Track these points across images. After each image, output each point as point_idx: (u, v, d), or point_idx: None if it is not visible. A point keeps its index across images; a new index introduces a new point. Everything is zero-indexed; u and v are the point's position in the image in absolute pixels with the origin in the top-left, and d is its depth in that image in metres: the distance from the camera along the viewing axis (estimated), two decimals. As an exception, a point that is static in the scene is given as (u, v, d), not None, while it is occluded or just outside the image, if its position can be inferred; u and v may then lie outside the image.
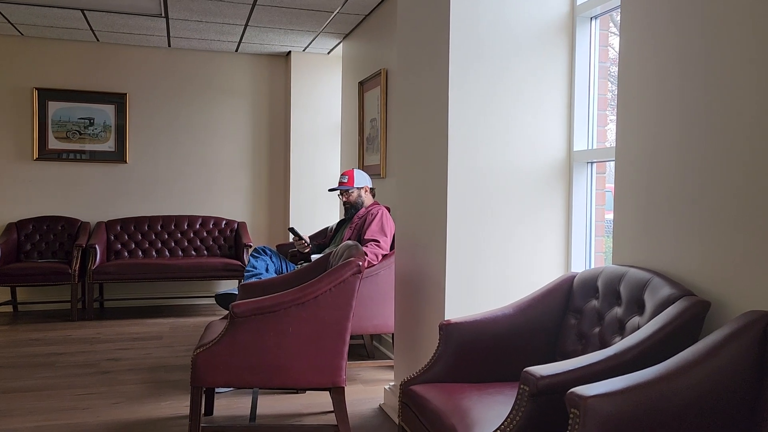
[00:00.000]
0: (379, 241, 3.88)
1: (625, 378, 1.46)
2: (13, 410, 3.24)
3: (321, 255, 3.73)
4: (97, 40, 5.96)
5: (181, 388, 3.61)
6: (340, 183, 4.25)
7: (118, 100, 6.12)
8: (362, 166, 5.14)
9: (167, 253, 6.08)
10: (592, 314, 2.16)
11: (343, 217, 4.45)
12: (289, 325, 2.72)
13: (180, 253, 6.11)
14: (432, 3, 2.86)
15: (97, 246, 5.53)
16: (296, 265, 4.39)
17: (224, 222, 6.28)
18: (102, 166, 6.14)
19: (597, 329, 2.12)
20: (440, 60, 2.75)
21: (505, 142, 2.75)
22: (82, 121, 6.06)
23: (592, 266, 2.82)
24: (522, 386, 1.61)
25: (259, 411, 3.27)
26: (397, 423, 2.31)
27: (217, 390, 3.41)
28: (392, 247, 3.90)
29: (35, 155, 5.93)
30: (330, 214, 6.13)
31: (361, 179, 4.24)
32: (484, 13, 2.71)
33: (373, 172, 4.74)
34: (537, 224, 2.80)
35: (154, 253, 6.04)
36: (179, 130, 6.33)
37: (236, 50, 6.31)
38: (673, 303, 1.78)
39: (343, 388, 2.83)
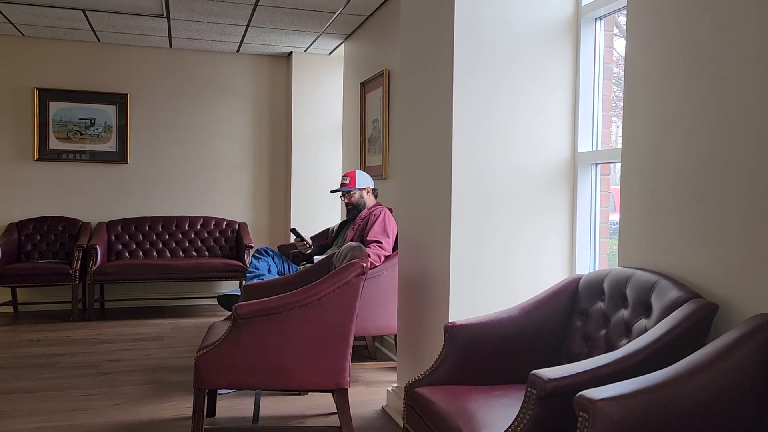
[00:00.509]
0: (381, 243, 3.87)
1: (634, 381, 1.45)
2: (13, 411, 3.23)
3: (323, 256, 3.73)
4: (98, 40, 5.96)
5: (182, 389, 3.60)
6: (342, 184, 4.24)
7: (119, 101, 6.11)
8: (364, 167, 5.14)
9: (168, 253, 6.07)
10: (598, 316, 2.15)
11: (344, 218, 4.44)
12: (292, 326, 2.71)
13: (181, 253, 6.10)
14: (436, 4, 2.85)
15: (98, 246, 5.52)
16: (298, 266, 4.38)
17: (225, 222, 6.27)
18: (103, 167, 6.13)
19: (603, 331, 2.11)
20: (444, 61, 2.75)
21: (510, 143, 2.74)
22: (83, 121, 6.05)
23: (597, 268, 2.82)
24: (529, 389, 1.60)
25: (261, 412, 3.26)
26: (402, 425, 2.30)
27: (219, 391, 3.40)
28: (395, 248, 3.89)
29: (36, 155, 5.92)
30: (331, 215, 6.12)
31: (363, 180, 4.23)
32: (488, 14, 2.70)
33: (375, 173, 4.73)
34: (541, 226, 2.80)
35: (155, 253, 6.03)
36: (180, 130, 6.32)
37: (238, 51, 6.30)
38: (681, 305, 1.77)
39: (347, 389, 2.82)
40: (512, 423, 1.62)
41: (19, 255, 5.73)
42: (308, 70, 6.30)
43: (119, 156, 6.14)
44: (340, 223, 4.50)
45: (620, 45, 2.94)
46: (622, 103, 2.29)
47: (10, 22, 5.35)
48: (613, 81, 3.00)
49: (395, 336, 3.79)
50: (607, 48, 2.88)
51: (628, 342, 1.83)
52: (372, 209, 4.13)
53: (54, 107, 5.97)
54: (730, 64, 1.80)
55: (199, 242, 6.17)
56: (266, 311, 2.70)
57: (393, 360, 4.18)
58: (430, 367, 2.22)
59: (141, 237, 6.04)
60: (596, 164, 2.82)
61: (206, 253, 6.15)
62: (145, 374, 3.90)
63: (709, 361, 1.50)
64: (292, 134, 6.28)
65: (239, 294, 3.79)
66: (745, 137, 1.74)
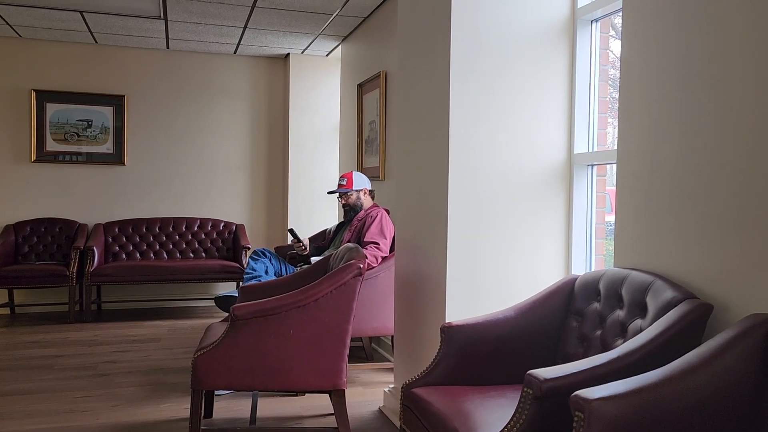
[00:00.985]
0: (378, 244, 3.88)
1: (629, 381, 1.46)
2: (10, 413, 3.23)
3: (320, 257, 3.73)
4: (96, 41, 5.96)
5: (180, 390, 3.60)
6: (339, 186, 4.25)
7: (117, 102, 6.11)
8: (361, 169, 5.14)
9: (165, 255, 6.07)
10: (594, 317, 2.16)
11: (342, 220, 4.45)
12: (289, 327, 2.72)
13: (178, 255, 6.10)
14: (433, 6, 2.86)
15: (95, 248, 5.51)
16: (295, 267, 4.39)
17: (222, 224, 6.27)
18: (100, 168, 6.12)
19: (599, 332, 2.12)
20: (441, 62, 2.76)
21: (506, 144, 2.75)
22: (80, 122, 6.05)
23: (593, 269, 2.83)
24: (525, 389, 1.61)
25: (259, 414, 3.26)
26: (399, 426, 2.30)
27: (216, 392, 3.40)
28: (392, 250, 3.90)
29: (33, 157, 5.92)
30: (328, 217, 6.12)
31: (360, 181, 4.24)
32: (484, 16, 2.71)
33: (372, 175, 4.73)
34: (537, 226, 2.81)
35: (152, 255, 6.03)
36: (178, 132, 6.32)
37: (235, 52, 6.30)
38: (676, 306, 1.78)
39: (344, 390, 2.82)
40: (508, 423, 1.63)
41: (16, 257, 5.73)
42: (305, 71, 6.30)
43: (116, 157, 6.13)
44: (338, 225, 4.51)
45: (616, 47, 2.95)
46: (617, 105, 2.30)
47: (8, 23, 5.35)
48: (609, 82, 3.02)
49: (392, 337, 3.79)
50: (603, 50, 2.89)
51: (624, 342, 1.84)
52: (369, 210, 4.14)
53: (51, 109, 5.97)
54: (725, 66, 1.81)
55: (197, 244, 6.17)
56: (263, 312, 2.70)
57: (390, 361, 4.18)
58: (426, 367, 2.23)
59: (138, 238, 6.04)
60: (592, 165, 2.84)
61: (203, 254, 6.15)
62: (143, 376, 3.90)
63: (703, 361, 1.51)
64: (289, 136, 6.29)
65: (236, 295, 3.79)
66: (740, 139, 1.75)
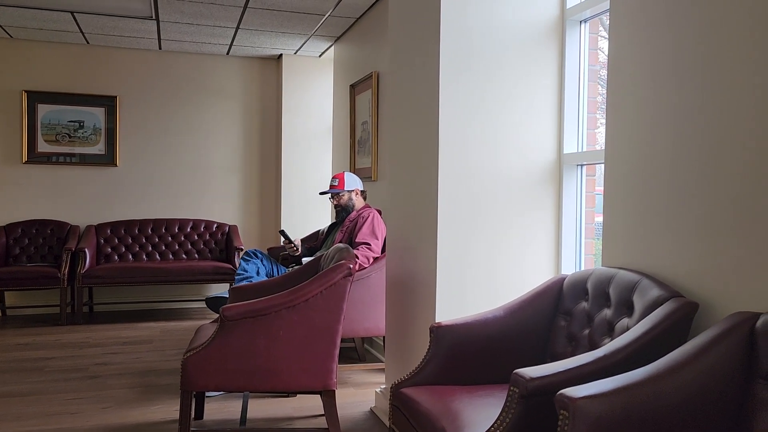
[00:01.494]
0: (370, 244, 3.88)
1: (615, 379, 1.47)
2: (1, 415, 3.21)
3: (312, 258, 3.73)
4: (87, 42, 5.94)
5: (171, 392, 3.59)
6: (331, 186, 4.25)
7: (108, 103, 6.09)
8: (353, 169, 5.14)
9: (158, 256, 6.05)
10: (582, 316, 2.17)
11: (334, 221, 4.45)
12: (279, 328, 2.71)
13: (170, 256, 6.08)
14: (423, 6, 2.87)
15: (86, 250, 5.49)
16: (287, 268, 4.38)
17: (215, 225, 6.26)
18: (92, 169, 6.10)
19: (587, 331, 2.12)
20: (431, 63, 2.76)
21: (496, 144, 2.76)
22: (72, 123, 6.03)
23: (582, 268, 2.83)
24: (512, 388, 1.61)
25: (249, 415, 3.26)
26: (388, 426, 2.30)
27: (207, 394, 3.39)
28: (383, 250, 3.90)
29: (24, 158, 5.89)
30: (321, 217, 6.12)
31: (352, 182, 4.24)
32: (474, 17, 2.72)
33: (365, 175, 4.74)
34: (527, 226, 2.81)
35: (144, 256, 6.01)
36: (170, 132, 6.31)
37: (227, 53, 6.30)
38: (662, 304, 1.79)
39: (334, 391, 2.82)
40: (495, 422, 1.63)
41: (7, 258, 5.70)
42: (298, 72, 6.30)
43: (108, 158, 6.12)
44: (330, 225, 4.51)
45: (605, 47, 2.96)
46: (605, 105, 2.31)
47: (-2, 24, 5.34)
48: (599, 83, 3.03)
49: (384, 337, 3.79)
50: (592, 50, 2.90)
51: (611, 341, 1.85)
52: (361, 211, 4.14)
53: (42, 110, 5.94)
54: (713, 66, 1.82)
55: (189, 245, 6.15)
56: (253, 313, 2.70)
57: (382, 361, 4.18)
58: (415, 367, 2.23)
59: (130, 240, 6.02)
60: (582, 165, 2.84)
61: (196, 255, 6.14)
62: (134, 377, 3.89)
63: (688, 359, 1.52)
64: (282, 136, 6.28)
65: (227, 296, 3.79)
66: (727, 139, 1.76)
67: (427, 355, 2.23)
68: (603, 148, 2.59)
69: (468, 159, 2.73)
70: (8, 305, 5.83)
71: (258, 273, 4.19)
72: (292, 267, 4.32)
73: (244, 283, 3.87)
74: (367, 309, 3.74)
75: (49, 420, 3.16)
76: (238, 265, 4.76)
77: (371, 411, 3.36)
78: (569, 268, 2.83)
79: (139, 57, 6.19)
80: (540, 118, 2.82)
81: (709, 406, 1.51)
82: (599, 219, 2.88)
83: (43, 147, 5.96)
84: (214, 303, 4.12)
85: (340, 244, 3.26)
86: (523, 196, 2.80)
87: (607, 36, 2.91)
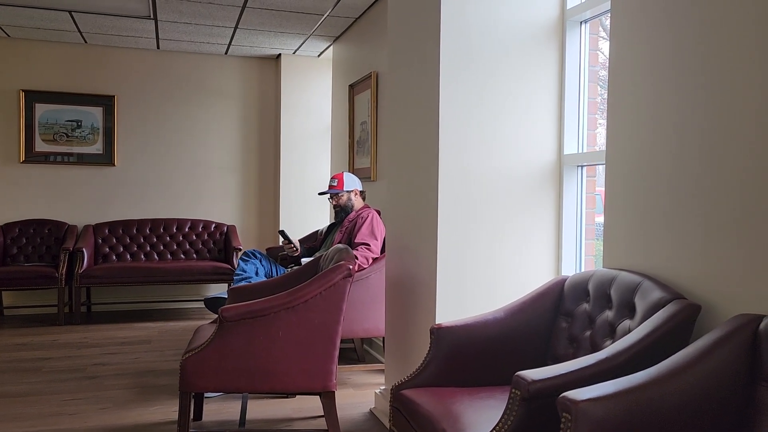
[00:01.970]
0: (369, 245, 3.87)
1: (617, 382, 1.46)
2: (-2, 416, 3.20)
3: (311, 258, 3.72)
4: (85, 41, 5.92)
5: (169, 392, 3.57)
6: (330, 186, 4.24)
7: (106, 103, 6.07)
8: (352, 170, 5.13)
9: (156, 256, 6.03)
10: (583, 318, 2.16)
11: (333, 221, 4.44)
12: (279, 329, 2.70)
13: (169, 256, 6.07)
14: (422, 7, 2.86)
15: (84, 249, 5.47)
16: (286, 268, 4.37)
17: (213, 225, 6.25)
18: (90, 169, 6.09)
19: (588, 333, 2.12)
20: (431, 63, 2.75)
21: (496, 145, 2.75)
22: (70, 123, 6.01)
23: (582, 270, 2.83)
24: (513, 390, 1.61)
25: (248, 416, 3.25)
26: (388, 427, 2.30)
27: (206, 395, 3.38)
28: (383, 251, 3.89)
29: (22, 158, 5.87)
30: (320, 218, 6.11)
31: (351, 182, 4.23)
32: (474, 17, 2.71)
33: (364, 175, 4.73)
34: (527, 227, 2.80)
35: (142, 256, 5.99)
36: (168, 132, 6.29)
37: (226, 53, 6.28)
38: (664, 306, 1.79)
39: (334, 392, 2.81)
40: (496, 424, 1.62)
41: (5, 258, 5.68)
42: (297, 72, 6.29)
43: (106, 158, 6.10)
44: (329, 226, 4.50)
45: (606, 48, 2.95)
46: (606, 106, 2.30)
47: (-4, 23, 5.32)
48: (599, 83, 3.02)
49: (383, 338, 3.78)
50: (592, 51, 2.89)
51: (613, 343, 1.84)
52: (360, 211, 4.13)
53: (40, 109, 5.92)
54: (714, 67, 1.81)
55: (187, 245, 6.14)
56: (252, 314, 2.69)
57: (381, 362, 4.17)
58: (416, 369, 2.22)
59: (128, 240, 6.00)
60: (582, 166, 2.84)
61: (194, 255, 6.12)
62: (132, 378, 3.87)
63: (691, 361, 1.51)
64: (280, 136, 6.27)
65: (226, 297, 3.77)
66: (729, 139, 1.76)
67: (428, 357, 2.22)
68: (603, 149, 2.59)
69: (468, 159, 2.72)
70: (6, 305, 5.81)
71: (257, 273, 4.18)
72: (291, 267, 4.31)
73: (242, 283, 3.86)
74: (366, 310, 3.73)
75: (46, 421, 3.15)
76: (236, 266, 4.75)
77: (371, 412, 3.36)
78: (569, 270, 2.82)
79: (138, 56, 6.17)
80: (540, 118, 2.81)
81: (712, 410, 1.50)
82: (599, 220, 2.88)
83: (40, 146, 5.94)
84: (212, 303, 4.10)
85: (340, 245, 3.25)
86: (524, 197, 2.80)
87: (607, 37, 2.91)
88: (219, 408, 3.34)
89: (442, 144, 2.69)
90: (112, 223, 6.00)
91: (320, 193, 4.43)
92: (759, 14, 1.67)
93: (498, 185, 2.76)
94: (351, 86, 5.19)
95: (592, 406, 1.38)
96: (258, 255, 4.34)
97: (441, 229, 2.70)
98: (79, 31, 5.53)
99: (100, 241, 5.89)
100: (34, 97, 5.90)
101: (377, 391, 3.38)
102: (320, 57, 6.28)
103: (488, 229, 2.75)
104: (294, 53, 6.21)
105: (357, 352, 4.34)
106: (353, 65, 5.26)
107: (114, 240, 5.95)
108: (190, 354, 2.67)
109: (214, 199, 6.44)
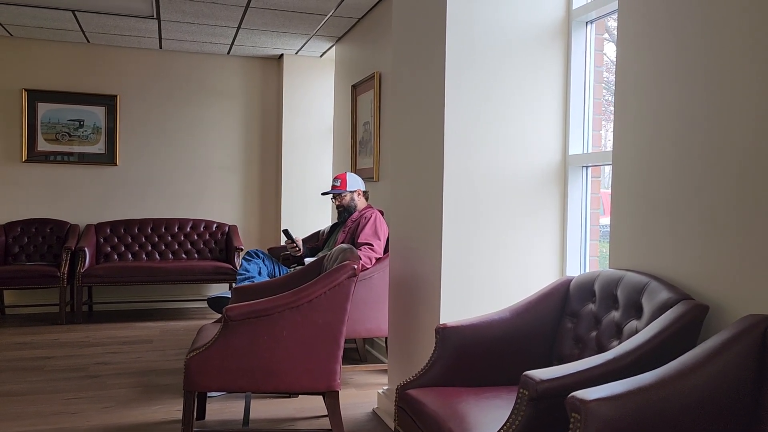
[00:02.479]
0: (372, 245, 3.87)
1: (626, 382, 1.46)
2: (0, 415, 3.19)
3: (314, 258, 3.71)
4: (88, 41, 5.92)
5: (172, 392, 3.57)
6: (333, 187, 4.23)
7: (109, 102, 6.07)
8: (355, 170, 5.13)
9: (157, 256, 6.03)
10: (589, 318, 2.16)
11: (335, 221, 4.43)
12: (283, 328, 2.70)
13: (170, 256, 6.06)
14: (428, 7, 2.85)
15: (86, 249, 5.47)
16: (289, 268, 4.37)
17: (215, 225, 6.24)
18: (92, 169, 6.08)
19: (594, 333, 2.11)
20: (436, 63, 2.75)
21: (501, 145, 2.75)
22: (72, 122, 6.01)
23: (587, 270, 2.82)
24: (521, 390, 1.60)
25: (252, 415, 3.24)
26: (393, 427, 2.29)
27: (209, 394, 3.37)
28: (386, 251, 3.88)
29: (24, 157, 5.87)
30: (322, 218, 6.11)
31: (354, 183, 4.22)
32: (479, 17, 2.71)
33: (366, 176, 4.72)
34: (532, 228, 2.80)
35: (144, 256, 5.99)
36: (170, 132, 6.29)
37: (228, 53, 6.28)
38: (671, 307, 1.78)
39: (338, 392, 2.81)
40: (504, 424, 1.62)
41: (7, 257, 5.68)
42: (299, 72, 6.29)
43: (108, 158, 6.10)
44: (331, 226, 4.49)
45: (611, 49, 2.96)
46: (612, 107, 2.30)
47: (-1, 22, 5.31)
48: (604, 85, 3.02)
49: (386, 338, 3.78)
50: (597, 51, 2.89)
51: (619, 343, 1.84)
52: (363, 212, 4.13)
53: (42, 108, 5.92)
54: (720, 68, 1.81)
55: (189, 245, 6.13)
56: (257, 313, 2.68)
57: (383, 362, 4.17)
58: (421, 368, 2.22)
59: (130, 239, 6.00)
60: (587, 167, 2.83)
61: (196, 255, 6.12)
62: (134, 377, 3.87)
63: (699, 362, 1.50)
64: (282, 137, 6.27)
65: (229, 296, 3.77)
66: (734, 140, 1.75)
67: (433, 356, 2.21)
68: (608, 149, 2.59)
69: (473, 160, 2.72)
70: (7, 304, 5.81)
71: (260, 273, 4.17)
72: (293, 267, 4.30)
73: (246, 283, 3.85)
74: (369, 310, 3.73)
75: (48, 420, 3.14)
76: (239, 266, 4.75)
77: (373, 412, 3.35)
78: (574, 270, 2.82)
79: (140, 56, 6.17)
80: (545, 119, 2.81)
81: (721, 411, 1.50)
82: (604, 221, 2.88)
83: (43, 146, 5.94)
84: (216, 303, 4.10)
85: (344, 245, 3.24)
86: (528, 198, 2.79)
87: (611, 38, 2.91)
88: (222, 407, 3.34)
89: (447, 144, 2.68)
90: (113, 223, 6.00)
91: (323, 193, 4.43)
92: (761, 18, 1.66)
93: (503, 185, 2.76)
94: (354, 86, 5.19)
95: (601, 406, 1.37)
96: (261, 255, 4.34)
97: (446, 229, 2.69)
98: (82, 30, 5.52)
99: (101, 240, 5.89)
100: (36, 96, 5.89)
101: (380, 391, 3.38)
102: (323, 57, 6.28)
103: (493, 229, 2.75)
104: (296, 53, 6.21)
105: (359, 353, 4.34)
106: (356, 66, 5.26)
107: (116, 239, 5.95)
108: (195, 353, 2.67)
109: (216, 199, 6.44)
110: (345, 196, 4.19)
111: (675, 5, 1.99)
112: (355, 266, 2.79)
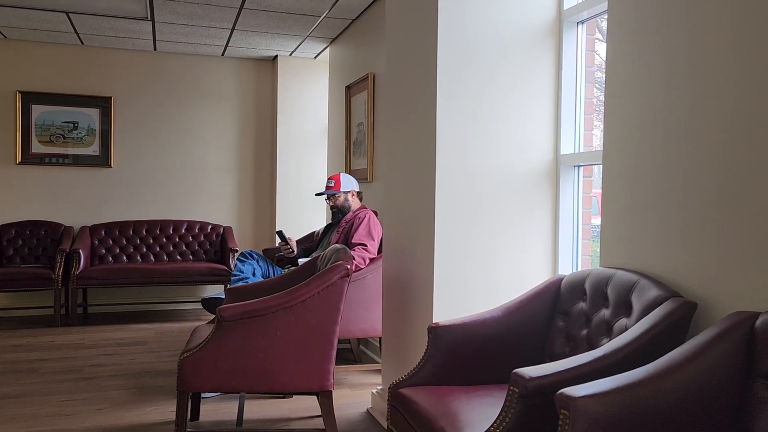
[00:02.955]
0: (366, 245, 3.87)
1: (615, 378, 1.47)
2: (-6, 417, 3.19)
3: (308, 259, 3.72)
4: (82, 43, 5.92)
5: (166, 393, 3.57)
6: (327, 187, 4.24)
7: (103, 104, 6.07)
8: (349, 171, 5.14)
9: (152, 258, 6.03)
10: (580, 316, 2.17)
11: (330, 222, 4.44)
12: (276, 329, 2.70)
13: (165, 257, 6.06)
14: (420, 7, 2.87)
15: (80, 251, 5.47)
16: (283, 269, 4.37)
17: (210, 226, 6.24)
18: (86, 170, 6.08)
19: (585, 331, 2.13)
20: (428, 64, 2.76)
21: (493, 145, 2.76)
22: (66, 124, 6.01)
23: (579, 269, 2.84)
24: (511, 388, 1.61)
25: (246, 416, 3.25)
26: (386, 426, 2.30)
27: (203, 395, 3.38)
28: (379, 251, 3.89)
29: (18, 159, 5.86)
30: (317, 219, 6.12)
31: (348, 183, 4.24)
32: (471, 18, 2.72)
33: (360, 176, 4.73)
34: (524, 227, 2.81)
35: (138, 257, 5.98)
36: (165, 134, 6.29)
37: (223, 54, 6.28)
38: (661, 304, 1.80)
39: (331, 391, 2.81)
40: (494, 421, 1.63)
41: (1, 260, 5.67)
42: (293, 73, 6.30)
43: (103, 160, 6.09)
44: (326, 226, 4.50)
45: (602, 49, 2.97)
46: (603, 106, 2.32)
47: (-8, 24, 5.31)
48: (595, 84, 3.04)
49: (380, 338, 3.78)
50: (589, 52, 2.91)
51: (609, 341, 1.85)
52: (357, 212, 4.14)
53: (37, 110, 5.92)
54: (709, 69, 1.83)
55: (184, 246, 6.13)
56: (250, 314, 2.69)
57: (377, 362, 4.17)
58: (413, 368, 2.23)
59: (125, 241, 5.99)
60: (578, 166, 2.85)
61: (191, 257, 6.11)
62: (129, 379, 3.87)
63: (688, 358, 1.52)
64: (277, 138, 6.27)
65: (223, 297, 3.77)
66: (724, 140, 1.77)
67: (425, 356, 2.22)
68: (599, 149, 2.60)
69: (465, 159, 2.73)
70: (2, 306, 5.79)
71: (254, 274, 4.18)
72: (287, 268, 4.31)
73: (240, 284, 3.86)
74: (363, 310, 3.74)
75: (43, 422, 3.14)
76: (233, 267, 4.75)
77: (368, 412, 3.36)
78: (566, 269, 2.84)
79: (134, 58, 6.17)
80: (537, 118, 2.82)
81: (709, 406, 1.51)
82: (595, 221, 2.90)
83: (37, 148, 5.93)
84: (210, 304, 4.10)
85: (337, 245, 3.25)
86: (521, 197, 2.81)
87: (603, 38, 2.92)
88: (216, 408, 3.34)
89: (439, 144, 2.70)
90: (108, 225, 5.99)
91: (317, 194, 4.43)
92: (746, 21, 1.68)
93: (495, 185, 2.77)
94: (348, 87, 5.20)
95: (590, 403, 1.39)
96: (255, 256, 4.34)
97: (438, 229, 2.70)
98: (76, 32, 5.52)
99: (96, 242, 5.88)
100: (30, 98, 5.89)
101: (374, 391, 3.39)
102: (317, 58, 6.29)
103: (485, 228, 2.76)
104: (291, 55, 6.22)
105: (353, 353, 4.34)
106: (350, 67, 5.27)
107: (110, 241, 5.94)
108: (188, 354, 2.67)
109: (211, 201, 6.44)
110: (339, 196, 4.20)
111: (664, 7, 2.00)
112: (348, 266, 2.80)
